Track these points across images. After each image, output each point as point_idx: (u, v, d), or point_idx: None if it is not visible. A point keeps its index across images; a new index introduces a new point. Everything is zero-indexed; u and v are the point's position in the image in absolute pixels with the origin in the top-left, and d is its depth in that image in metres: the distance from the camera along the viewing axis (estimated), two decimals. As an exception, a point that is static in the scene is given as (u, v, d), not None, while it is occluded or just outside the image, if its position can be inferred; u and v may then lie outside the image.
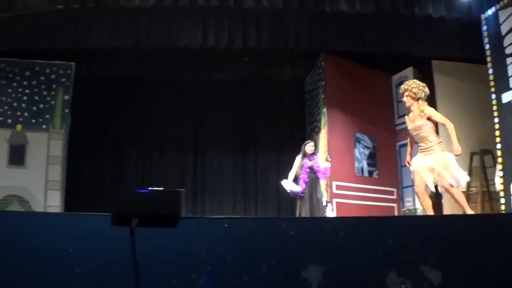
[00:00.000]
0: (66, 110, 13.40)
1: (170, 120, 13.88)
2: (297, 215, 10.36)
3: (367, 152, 13.69)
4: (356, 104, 13.41)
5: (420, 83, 7.83)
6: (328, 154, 11.48)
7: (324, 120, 12.84)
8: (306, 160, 10.65)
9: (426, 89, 7.82)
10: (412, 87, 7.72)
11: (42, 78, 13.53)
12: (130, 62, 13.84)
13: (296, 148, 11.22)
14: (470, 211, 7.39)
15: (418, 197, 7.65)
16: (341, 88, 13.16)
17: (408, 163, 7.91)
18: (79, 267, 4.70)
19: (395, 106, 14.02)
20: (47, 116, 13.35)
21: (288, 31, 12.03)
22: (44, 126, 13.29)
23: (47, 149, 13.22)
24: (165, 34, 12.09)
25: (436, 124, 7.80)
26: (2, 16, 12.25)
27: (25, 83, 13.51)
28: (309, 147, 10.80)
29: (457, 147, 7.41)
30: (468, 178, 7.53)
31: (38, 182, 13.09)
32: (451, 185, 7.38)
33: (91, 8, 11.59)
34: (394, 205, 13.60)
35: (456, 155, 7.46)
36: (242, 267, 4.63)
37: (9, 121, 13.30)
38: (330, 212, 10.93)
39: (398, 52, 12.24)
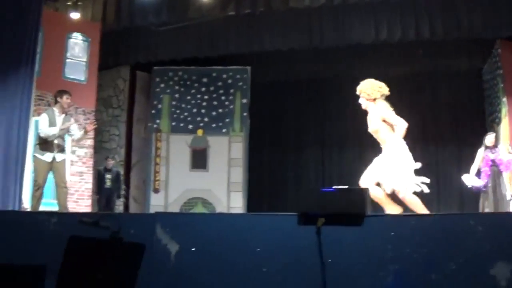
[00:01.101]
0: (245, 113, 13.88)
1: (347, 118, 13.85)
2: (480, 211, 9.93)
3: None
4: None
5: (376, 82, 7.32)
6: (511, 146, 10.87)
7: (504, 111, 12.15)
8: (487, 153, 10.17)
9: (383, 89, 7.30)
10: (365, 88, 7.26)
11: (219, 83, 14.10)
12: (303, 62, 13.99)
13: (477, 141, 10.74)
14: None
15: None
16: (520, 76, 12.36)
17: None
18: (266, 266, 4.87)
19: None
20: (227, 120, 13.87)
21: (461, 20, 11.55)
22: (224, 130, 13.83)
23: (228, 152, 13.76)
24: (337, 32, 12.12)
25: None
26: (177, 26, 13.00)
27: (203, 89, 14.14)
28: (489, 139, 10.31)
29: None
30: (412, 188, 6.92)
31: (220, 184, 13.65)
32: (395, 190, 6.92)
33: (262, 12, 11.91)
34: None
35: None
36: (429, 265, 4.55)
37: (190, 126, 14.01)
38: None
39: None
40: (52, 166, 8.37)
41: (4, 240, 4.94)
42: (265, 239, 4.98)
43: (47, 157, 8.34)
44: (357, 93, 7.33)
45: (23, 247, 5.18)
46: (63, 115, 8.56)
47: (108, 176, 12.38)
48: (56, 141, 8.41)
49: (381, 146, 7.28)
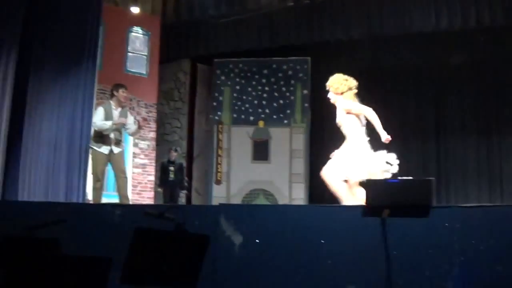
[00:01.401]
0: (306, 104, 13.85)
1: (410, 107, 13.65)
2: None
3: None
4: None
5: (342, 76, 7.42)
6: None
7: None
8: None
9: (350, 82, 7.40)
10: (333, 82, 7.40)
11: (280, 74, 14.10)
12: (363, 52, 13.83)
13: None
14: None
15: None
16: None
17: None
18: (331, 258, 4.85)
19: None
20: (288, 111, 13.88)
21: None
22: (285, 121, 13.84)
23: (290, 143, 13.77)
24: (397, 21, 11.93)
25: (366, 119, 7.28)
26: (236, 18, 13.04)
27: (264, 80, 14.17)
28: None
29: (383, 134, 7.05)
30: (359, 178, 6.89)
31: (282, 175, 13.68)
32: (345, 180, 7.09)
33: (321, 1, 11.82)
34: None
35: (386, 142, 7.04)
36: (497, 258, 4.44)
37: (251, 118, 14.06)
38: None
39: None
40: (110, 158, 8.45)
41: (69, 231, 5.06)
42: (329, 231, 4.95)
43: (104, 149, 8.41)
44: (327, 88, 7.49)
45: (88, 239, 5.30)
46: (120, 108, 8.59)
47: (171, 168, 12.54)
48: (112, 135, 8.45)
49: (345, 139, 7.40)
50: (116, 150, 8.47)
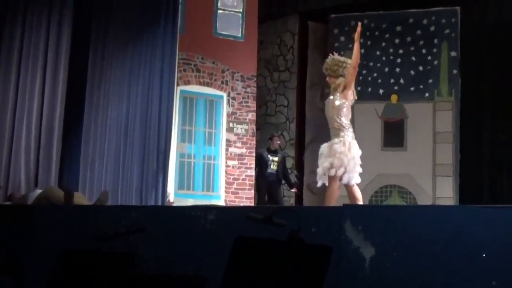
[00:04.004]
0: (455, 71, 13.55)
1: None
2: None
3: None
4: None
5: (340, 58, 8.54)
6: None
7: None
8: None
9: (348, 64, 8.37)
10: (330, 65, 8.46)
11: (418, 32, 13.87)
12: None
13: None
14: None
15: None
16: None
17: None
18: (496, 277, 4.73)
19: None
20: (430, 81, 13.62)
21: None
22: (426, 95, 13.60)
23: (433, 124, 13.54)
24: None
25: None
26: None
27: (397, 41, 13.99)
28: None
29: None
30: (358, 180, 8.42)
31: (423, 167, 13.50)
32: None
33: None
34: None
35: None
36: None
37: (381, 91, 13.92)
38: None
39: None
40: None
41: (147, 243, 5.13)
42: (492, 241, 4.83)
43: None
44: (324, 71, 8.63)
45: (172, 252, 5.38)
46: None
47: (274, 159, 12.62)
48: None
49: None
50: None
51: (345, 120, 8.38)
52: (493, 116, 14.06)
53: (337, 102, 8.35)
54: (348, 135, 8.36)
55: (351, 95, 8.43)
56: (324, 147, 8.55)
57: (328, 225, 5.12)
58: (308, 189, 14.17)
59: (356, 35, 8.43)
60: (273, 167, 12.58)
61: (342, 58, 8.54)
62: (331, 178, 8.34)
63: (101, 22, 9.72)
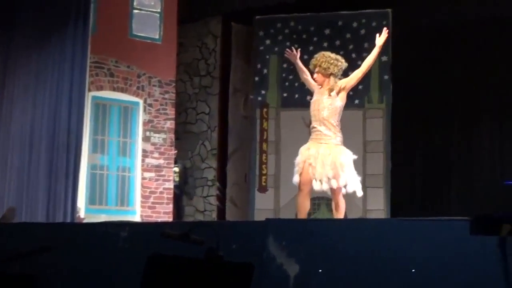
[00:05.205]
0: (386, 77, 13.74)
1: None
2: None
3: None
4: None
5: (331, 55, 8.54)
6: None
7: None
8: None
9: (340, 63, 8.52)
10: (321, 62, 8.42)
11: (348, 35, 14.01)
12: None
13: None
14: None
15: (299, 197, 8.74)
16: None
17: None
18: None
19: None
20: (360, 87, 13.69)
21: None
22: (356, 102, 13.71)
23: (363, 133, 13.71)
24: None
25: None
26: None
27: (325, 44, 14.03)
28: None
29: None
30: (360, 187, 8.57)
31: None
32: (340, 189, 8.46)
33: None
34: None
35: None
36: None
37: (309, 98, 13.95)
38: None
39: None
40: None
41: (53, 264, 5.08)
42: (422, 256, 4.92)
43: None
44: (311, 67, 8.58)
45: (80, 274, 5.34)
46: None
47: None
48: None
49: (316, 127, 8.69)
50: None
51: (339, 123, 8.62)
52: (425, 123, 14.30)
53: (337, 104, 8.52)
54: (340, 139, 8.62)
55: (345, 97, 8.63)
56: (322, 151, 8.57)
57: (250, 241, 5.14)
58: (231, 202, 14.19)
59: (382, 40, 8.51)
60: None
61: (333, 55, 8.55)
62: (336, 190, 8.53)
63: (3, 21, 9.59)
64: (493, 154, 13.80)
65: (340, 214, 8.72)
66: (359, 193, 8.65)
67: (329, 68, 8.39)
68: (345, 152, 8.59)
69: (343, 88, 8.50)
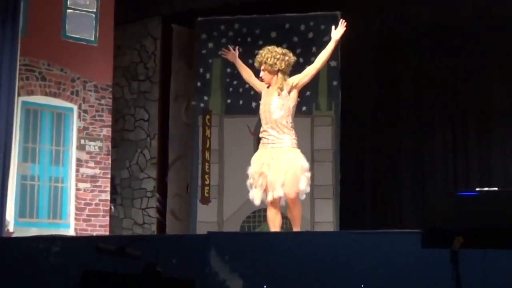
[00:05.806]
0: (335, 82, 13.79)
1: (490, 83, 13.58)
2: None
3: None
4: None
5: (277, 49, 8.32)
6: None
7: None
8: None
9: (288, 57, 8.31)
10: (266, 58, 8.20)
11: (295, 38, 14.03)
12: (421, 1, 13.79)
13: None
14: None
15: (268, 212, 8.60)
16: None
17: None
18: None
19: None
20: (307, 93, 13.76)
21: None
22: (304, 109, 13.69)
23: (311, 141, 13.74)
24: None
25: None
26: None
27: (271, 48, 14.13)
28: None
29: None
30: (308, 191, 8.33)
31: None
32: (297, 197, 8.22)
33: None
34: None
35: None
36: None
37: (254, 104, 14.00)
38: None
39: None
40: None
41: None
42: (371, 270, 4.96)
43: None
44: (256, 65, 8.40)
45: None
46: None
47: None
48: None
49: (268, 131, 8.52)
50: None
51: (293, 124, 8.41)
52: (376, 132, 14.40)
53: (289, 103, 8.28)
54: (295, 142, 8.41)
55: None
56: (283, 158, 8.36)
57: (191, 255, 5.14)
58: (171, 214, 14.16)
59: (339, 33, 8.47)
60: None
61: (280, 50, 8.31)
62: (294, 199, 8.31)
63: None
64: (446, 165, 13.95)
65: (296, 227, 8.46)
66: (302, 196, 8.35)
67: (275, 64, 8.14)
68: (301, 156, 8.35)
69: (295, 86, 8.29)
